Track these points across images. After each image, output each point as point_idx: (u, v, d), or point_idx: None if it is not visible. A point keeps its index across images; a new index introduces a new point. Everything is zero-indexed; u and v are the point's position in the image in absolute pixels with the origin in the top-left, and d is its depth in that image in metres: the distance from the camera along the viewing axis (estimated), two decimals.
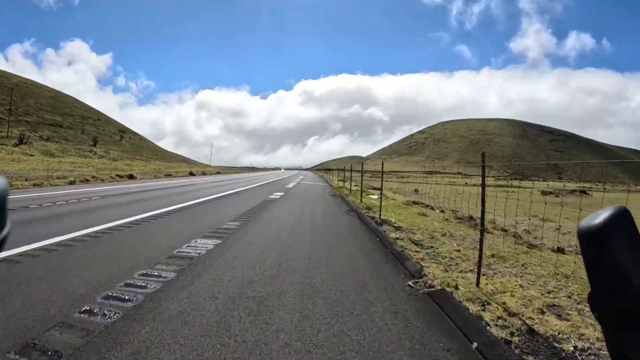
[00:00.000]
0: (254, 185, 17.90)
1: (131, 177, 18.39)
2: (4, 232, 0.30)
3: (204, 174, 37.85)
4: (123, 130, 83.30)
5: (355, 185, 16.30)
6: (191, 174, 32.61)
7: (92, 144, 53.66)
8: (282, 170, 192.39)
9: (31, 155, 36.90)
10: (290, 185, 19.89)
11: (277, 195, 12.56)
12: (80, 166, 29.94)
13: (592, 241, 0.36)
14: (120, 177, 17.59)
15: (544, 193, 16.19)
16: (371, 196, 11.93)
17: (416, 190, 16.40)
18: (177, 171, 34.14)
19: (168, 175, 25.91)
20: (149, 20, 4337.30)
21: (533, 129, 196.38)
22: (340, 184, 19.94)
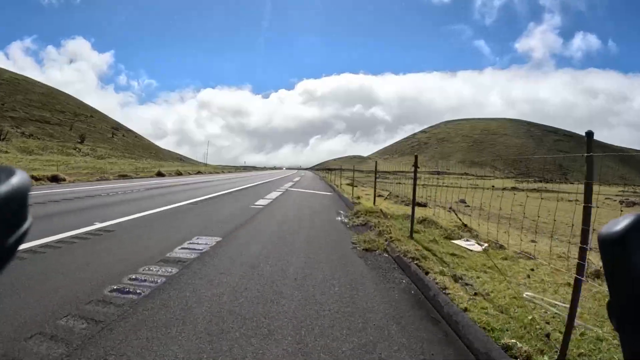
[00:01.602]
0: (200, 199, 10.15)
1: (55, 179, 14.09)
2: (26, 226, 0.32)
3: (178, 174, 32.30)
4: (117, 128, 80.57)
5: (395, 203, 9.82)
6: (160, 174, 27.22)
7: (79, 141, 50.89)
8: (284, 169, 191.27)
9: (6, 152, 34.16)
10: (266, 199, 10.90)
11: (194, 248, 4.42)
12: (53, 164, 27.14)
13: (612, 248, 0.35)
14: (37, 179, 13.24)
15: (624, 204, 13.10)
16: (458, 243, 5.06)
17: (463, 202, 11.19)
18: (139, 171, 28.53)
19: (123, 177, 21.41)
20: (151, 18, 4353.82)
21: (537, 128, 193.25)
22: (361, 195, 12.28)
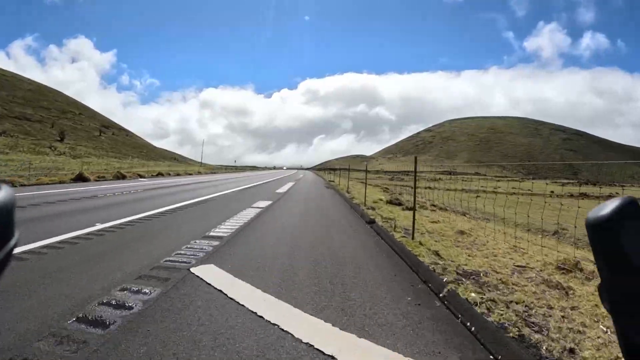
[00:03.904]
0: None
1: None
2: (13, 242, 0.31)
3: (118, 177, 20.77)
4: (106, 126, 76.99)
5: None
6: (81, 178, 17.10)
7: (58, 139, 47.17)
8: (284, 168, 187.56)
9: None
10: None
11: None
12: (6, 165, 23.34)
13: (600, 232, 0.36)
14: None
15: None
16: None
17: None
18: (61, 174, 18.46)
19: (43, 182, 14.42)
20: (154, 18, 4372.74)
21: (544, 127, 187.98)
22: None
